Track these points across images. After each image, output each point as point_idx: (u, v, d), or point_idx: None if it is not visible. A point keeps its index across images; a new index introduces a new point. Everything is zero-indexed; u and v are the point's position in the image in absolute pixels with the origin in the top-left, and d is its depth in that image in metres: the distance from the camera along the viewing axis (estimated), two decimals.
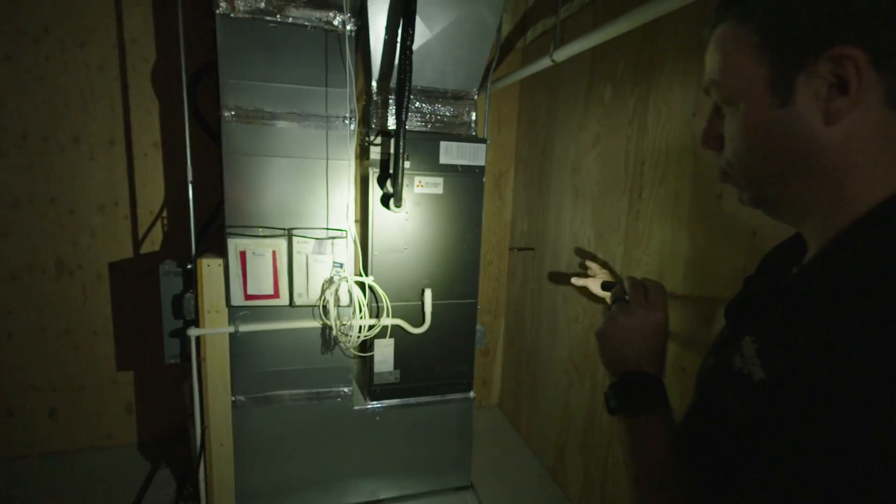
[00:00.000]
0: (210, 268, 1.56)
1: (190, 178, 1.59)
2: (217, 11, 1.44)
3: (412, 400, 1.86)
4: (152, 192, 2.07)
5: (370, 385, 1.81)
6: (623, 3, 1.59)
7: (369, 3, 1.53)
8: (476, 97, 1.81)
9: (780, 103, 0.41)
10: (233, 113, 1.50)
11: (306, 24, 1.52)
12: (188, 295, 1.62)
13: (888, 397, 0.30)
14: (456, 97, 1.78)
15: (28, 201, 1.94)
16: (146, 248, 2.10)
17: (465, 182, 1.77)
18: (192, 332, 1.58)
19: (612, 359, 0.56)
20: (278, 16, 1.49)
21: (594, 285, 1.53)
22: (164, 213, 2.10)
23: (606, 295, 1.36)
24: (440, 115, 1.77)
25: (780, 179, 0.43)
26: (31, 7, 1.79)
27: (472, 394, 1.95)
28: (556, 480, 2.09)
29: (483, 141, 1.77)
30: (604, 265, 1.64)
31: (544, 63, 1.62)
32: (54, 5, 1.82)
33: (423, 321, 1.77)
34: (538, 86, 2.27)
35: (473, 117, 1.82)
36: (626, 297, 0.59)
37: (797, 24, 0.38)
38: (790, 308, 0.41)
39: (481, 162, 1.77)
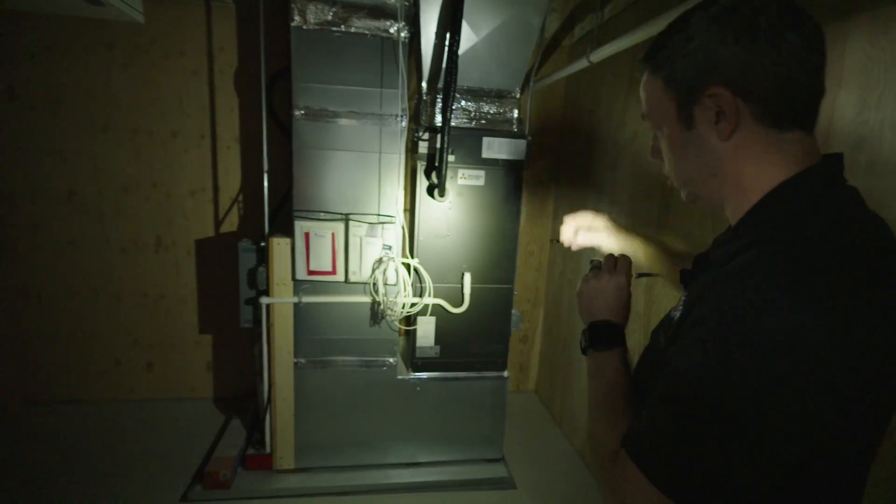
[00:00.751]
0: (280, 246, 1.81)
1: (266, 168, 1.84)
2: (292, 24, 1.67)
3: (450, 374, 2.04)
4: (231, 181, 2.38)
5: (413, 357, 2.01)
6: (661, 3, 1.65)
7: (422, 12, 1.70)
8: (519, 95, 1.93)
9: (687, 127, 0.55)
10: (303, 112, 1.73)
11: (366, 32, 1.72)
12: (261, 269, 1.88)
13: (727, 327, 0.45)
14: (499, 96, 1.91)
15: (135, 186, 2.31)
16: (225, 229, 2.42)
17: (506, 175, 1.90)
18: (264, 301, 1.84)
19: (586, 311, 0.72)
20: (342, 26, 1.70)
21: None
22: (240, 199, 2.41)
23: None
24: (484, 113, 1.91)
25: (698, 180, 0.57)
26: (145, 23, 2.13)
27: (505, 373, 2.09)
28: (584, 462, 2.18)
29: (524, 137, 1.89)
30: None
31: (581, 64, 1.71)
32: (161, 20, 2.15)
33: (463, 302, 1.93)
34: (582, 84, 2.34)
35: (516, 114, 1.94)
36: (600, 266, 0.74)
37: (684, 74, 0.53)
38: (709, 270, 0.54)
39: (522, 157, 1.90)
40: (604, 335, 0.67)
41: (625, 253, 0.80)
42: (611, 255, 0.75)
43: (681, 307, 0.54)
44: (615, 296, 0.69)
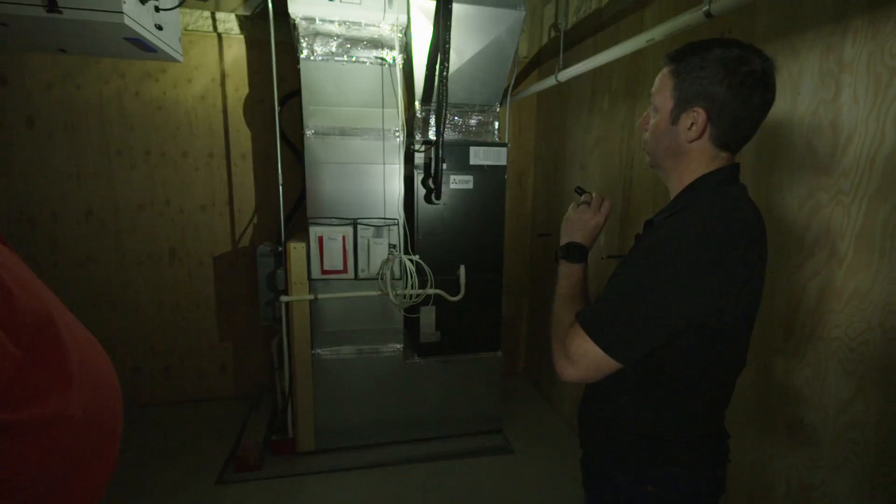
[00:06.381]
0: (297, 250, 2.04)
1: (280, 181, 2.07)
2: (301, 56, 1.92)
3: (451, 357, 2.30)
4: (240, 194, 2.59)
5: (417, 343, 2.26)
6: (615, 32, 1.98)
7: (413, 43, 1.97)
8: (498, 109, 2.23)
9: (672, 123, 0.81)
10: (313, 131, 1.98)
11: (366, 60, 1.98)
12: (279, 271, 2.11)
13: (652, 254, 0.76)
14: (482, 110, 2.20)
15: (150, 204, 2.49)
16: (234, 239, 2.63)
17: (491, 179, 2.19)
18: (284, 299, 2.07)
19: (568, 233, 0.97)
20: (345, 56, 1.96)
21: None
22: (249, 210, 2.62)
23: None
24: (469, 126, 2.20)
25: (661, 156, 0.85)
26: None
27: (499, 353, 2.37)
28: (571, 427, 2.48)
29: (504, 145, 2.18)
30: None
31: (550, 82, 2.02)
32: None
33: (459, 291, 2.20)
34: (552, 96, 2.66)
35: (497, 126, 2.24)
36: (590, 203, 0.98)
37: (687, 89, 0.78)
38: (652, 227, 0.85)
39: (503, 162, 2.19)
40: (576, 253, 0.94)
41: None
42: (598, 197, 0.99)
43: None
44: (592, 229, 0.96)
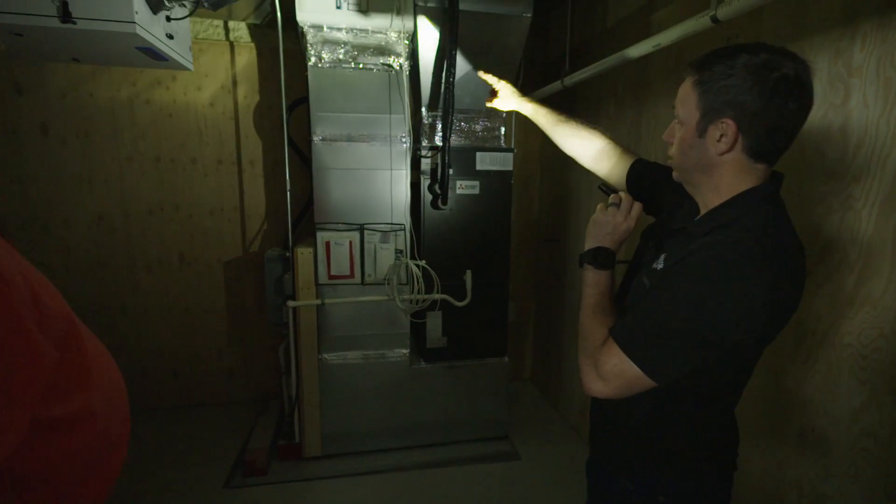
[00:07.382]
0: (304, 255, 2.06)
1: (288, 187, 2.09)
2: (309, 64, 1.94)
3: (458, 362, 2.29)
4: (248, 200, 2.61)
5: (424, 349, 2.26)
6: (622, 38, 1.98)
7: (420, 49, 1.98)
8: (505, 114, 2.23)
9: (699, 135, 0.75)
10: (320, 137, 2.00)
11: (373, 67, 2.00)
12: (286, 276, 2.12)
13: (693, 276, 0.72)
14: (488, 116, 2.20)
15: (159, 209, 2.52)
16: (243, 244, 2.65)
17: (497, 184, 2.19)
18: (291, 304, 2.08)
19: (595, 237, 0.91)
20: (353, 63, 1.98)
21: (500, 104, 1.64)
22: (257, 215, 2.64)
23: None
24: (476, 131, 2.21)
25: (690, 171, 0.80)
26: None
27: (506, 358, 2.36)
28: (578, 434, 2.46)
29: (510, 150, 2.18)
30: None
31: (556, 87, 2.02)
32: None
33: (466, 296, 2.20)
34: (558, 101, 2.66)
35: (503, 131, 2.24)
36: (619, 205, 0.90)
37: (714, 100, 0.73)
38: (686, 238, 0.80)
39: (510, 167, 2.19)
40: (604, 259, 0.88)
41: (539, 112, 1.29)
42: (629, 199, 0.91)
43: (663, 262, 0.81)
44: (621, 235, 0.90)
